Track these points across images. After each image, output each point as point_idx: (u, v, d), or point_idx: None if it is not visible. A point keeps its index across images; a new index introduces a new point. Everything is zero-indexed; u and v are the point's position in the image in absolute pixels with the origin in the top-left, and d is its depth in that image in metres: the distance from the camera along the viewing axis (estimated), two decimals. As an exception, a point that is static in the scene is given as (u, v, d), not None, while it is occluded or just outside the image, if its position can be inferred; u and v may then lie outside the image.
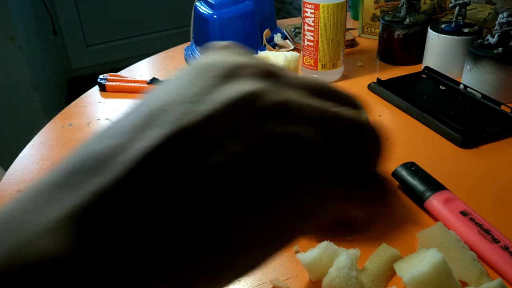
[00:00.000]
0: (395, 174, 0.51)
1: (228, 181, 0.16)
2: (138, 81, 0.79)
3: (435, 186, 0.48)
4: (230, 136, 0.16)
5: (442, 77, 0.73)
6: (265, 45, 0.89)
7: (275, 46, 0.91)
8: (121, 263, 0.14)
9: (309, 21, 0.73)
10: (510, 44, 0.67)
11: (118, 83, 0.79)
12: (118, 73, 0.83)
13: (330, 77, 0.78)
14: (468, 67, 0.69)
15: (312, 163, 0.17)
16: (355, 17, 1.06)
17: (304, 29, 0.75)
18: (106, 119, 0.70)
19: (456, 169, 0.55)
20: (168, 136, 0.15)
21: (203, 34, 0.84)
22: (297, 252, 0.43)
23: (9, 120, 1.60)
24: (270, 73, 0.18)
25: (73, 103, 0.76)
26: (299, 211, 0.17)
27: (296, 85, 0.19)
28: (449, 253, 0.39)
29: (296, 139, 0.17)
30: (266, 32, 0.89)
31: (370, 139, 0.20)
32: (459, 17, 0.76)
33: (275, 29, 0.96)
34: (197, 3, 0.86)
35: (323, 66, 0.76)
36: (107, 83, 0.79)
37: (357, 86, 0.77)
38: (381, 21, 0.84)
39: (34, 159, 0.61)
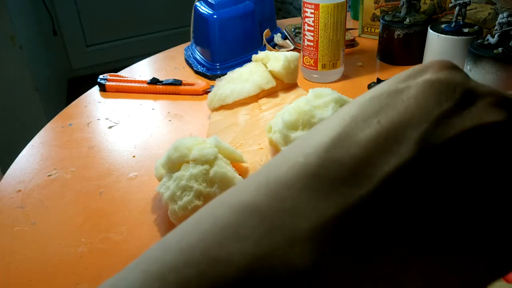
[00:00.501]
0: None
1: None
2: (138, 81, 0.79)
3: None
4: (474, 166, 0.16)
5: (442, 77, 0.73)
6: (265, 45, 0.89)
7: (275, 46, 0.91)
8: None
9: (309, 21, 0.73)
10: (510, 44, 0.67)
11: (118, 83, 0.79)
12: (118, 73, 0.83)
13: (330, 77, 0.78)
14: (468, 67, 0.69)
15: None
16: (355, 17, 1.06)
17: (304, 29, 0.75)
18: (106, 119, 0.70)
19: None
20: (416, 153, 0.15)
21: (203, 34, 0.84)
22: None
23: (9, 120, 1.60)
24: (507, 102, 0.17)
25: (73, 103, 0.77)
26: None
27: None
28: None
29: None
30: (266, 32, 0.89)
31: None
32: (459, 17, 0.76)
33: (275, 29, 0.96)
34: (197, 3, 0.86)
35: (323, 66, 0.76)
36: (107, 83, 0.79)
37: (357, 86, 0.77)
38: (381, 21, 0.84)
39: (34, 159, 0.61)
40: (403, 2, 0.82)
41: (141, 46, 2.58)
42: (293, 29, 0.96)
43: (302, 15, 0.75)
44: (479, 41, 0.69)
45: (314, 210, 0.15)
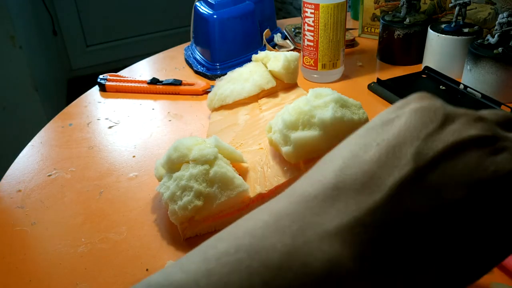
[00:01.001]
0: None
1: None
2: (138, 81, 0.79)
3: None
4: (463, 172, 0.19)
5: (442, 77, 0.73)
6: (265, 45, 0.89)
7: (275, 46, 0.91)
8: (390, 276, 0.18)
9: (309, 21, 0.73)
10: (510, 44, 0.67)
11: (118, 83, 0.79)
12: (118, 73, 0.83)
13: (330, 77, 0.78)
14: (468, 67, 0.69)
15: None
16: (355, 17, 1.06)
17: (304, 29, 0.75)
18: (106, 119, 0.70)
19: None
20: (415, 168, 0.19)
21: (203, 34, 0.84)
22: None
23: (9, 120, 1.59)
24: (481, 119, 0.22)
25: (73, 103, 0.77)
26: None
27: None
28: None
29: None
30: (266, 32, 0.89)
31: None
32: (459, 17, 0.76)
33: (275, 29, 0.96)
34: (197, 3, 0.86)
35: (323, 66, 0.76)
36: (107, 83, 0.79)
37: (357, 86, 0.77)
38: (381, 21, 0.84)
39: (34, 159, 0.61)
40: (403, 2, 0.82)
41: (141, 46, 2.58)
42: (293, 29, 0.96)
43: (302, 15, 0.75)
44: (479, 41, 0.69)
45: (338, 212, 0.19)
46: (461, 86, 0.70)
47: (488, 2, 0.78)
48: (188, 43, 0.96)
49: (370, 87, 0.75)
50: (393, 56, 0.84)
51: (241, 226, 0.19)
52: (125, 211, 0.50)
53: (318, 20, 0.72)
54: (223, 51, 0.82)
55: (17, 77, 1.60)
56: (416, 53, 0.82)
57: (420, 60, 0.82)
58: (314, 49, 0.75)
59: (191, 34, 0.92)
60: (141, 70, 0.88)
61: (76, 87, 2.42)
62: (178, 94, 0.77)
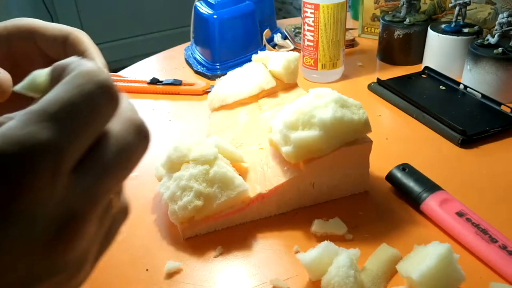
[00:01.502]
0: (389, 178, 0.51)
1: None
2: (138, 81, 0.79)
3: (430, 187, 0.47)
4: None
5: (442, 77, 0.73)
6: (265, 45, 0.89)
7: (275, 46, 0.91)
8: None
9: (309, 21, 0.73)
10: (510, 44, 0.67)
11: (118, 83, 0.78)
12: (118, 73, 0.83)
13: (330, 77, 0.78)
14: (468, 67, 0.69)
15: None
16: (355, 17, 1.06)
17: (304, 29, 0.75)
18: (106, 119, 0.70)
19: (456, 169, 0.55)
20: None
21: (203, 34, 0.84)
22: (297, 252, 0.43)
23: (9, 120, 1.59)
24: None
25: (73, 103, 0.76)
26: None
27: None
28: None
29: None
30: (266, 32, 0.89)
31: None
32: (459, 17, 0.76)
33: (275, 29, 0.96)
34: (197, 3, 0.86)
35: (323, 66, 0.76)
36: (107, 83, 0.79)
37: (357, 86, 0.77)
38: (381, 21, 0.84)
39: (34, 159, 0.61)
40: (403, 2, 0.82)
41: (141, 46, 2.58)
42: (293, 29, 0.96)
43: (302, 15, 0.75)
44: (479, 41, 0.69)
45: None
46: (461, 86, 0.70)
47: (488, 2, 0.78)
48: (188, 43, 0.96)
49: (370, 87, 0.75)
50: (393, 56, 0.84)
51: None
52: (125, 211, 0.50)
53: (318, 20, 0.72)
54: (223, 51, 0.82)
55: (17, 77, 1.60)
56: (416, 53, 0.82)
57: (420, 60, 0.82)
58: (314, 49, 0.75)
59: (191, 34, 0.92)
60: (141, 70, 0.88)
61: (76, 87, 2.42)
62: (178, 94, 0.77)
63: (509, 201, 0.49)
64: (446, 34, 0.74)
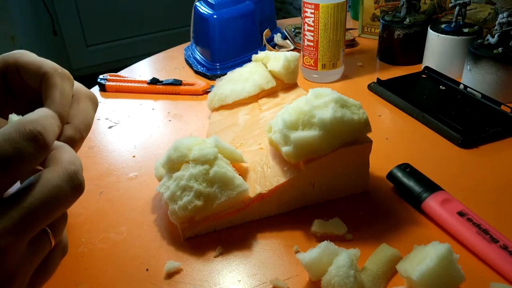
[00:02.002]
0: (390, 176, 0.51)
1: None
2: (138, 81, 0.79)
3: (431, 187, 0.47)
4: None
5: (442, 77, 0.73)
6: (265, 45, 0.89)
7: (275, 46, 0.91)
8: None
9: (309, 21, 0.73)
10: (510, 44, 0.67)
11: (118, 83, 0.79)
12: (118, 73, 0.83)
13: (330, 77, 0.78)
14: (468, 67, 0.69)
15: None
16: (355, 17, 1.06)
17: (304, 29, 0.75)
18: (106, 119, 0.70)
19: (456, 169, 0.55)
20: None
21: (203, 34, 0.84)
22: (297, 252, 0.43)
23: (9, 120, 1.59)
24: None
25: (73, 103, 0.76)
26: None
27: None
28: None
29: None
30: (266, 32, 0.89)
31: None
32: (459, 17, 0.76)
33: (275, 29, 0.96)
34: (197, 3, 0.86)
35: (323, 66, 0.76)
36: (107, 83, 0.79)
37: (357, 86, 0.77)
38: (381, 21, 0.84)
39: (34, 159, 0.61)
40: (403, 2, 0.82)
41: (141, 46, 2.58)
42: (293, 29, 0.96)
43: (302, 15, 0.75)
44: (479, 41, 0.69)
45: None
46: (461, 86, 0.70)
47: (488, 2, 0.78)
48: (188, 43, 0.96)
49: (370, 87, 0.75)
50: (393, 56, 0.84)
51: None
52: (125, 211, 0.50)
53: (318, 20, 0.72)
54: (223, 51, 0.82)
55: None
56: (416, 53, 0.82)
57: (420, 60, 0.82)
58: (314, 49, 0.75)
59: (191, 34, 0.92)
60: (141, 70, 0.88)
61: (76, 87, 2.42)
62: (178, 94, 0.77)
63: (510, 201, 0.49)
64: (446, 34, 0.74)
